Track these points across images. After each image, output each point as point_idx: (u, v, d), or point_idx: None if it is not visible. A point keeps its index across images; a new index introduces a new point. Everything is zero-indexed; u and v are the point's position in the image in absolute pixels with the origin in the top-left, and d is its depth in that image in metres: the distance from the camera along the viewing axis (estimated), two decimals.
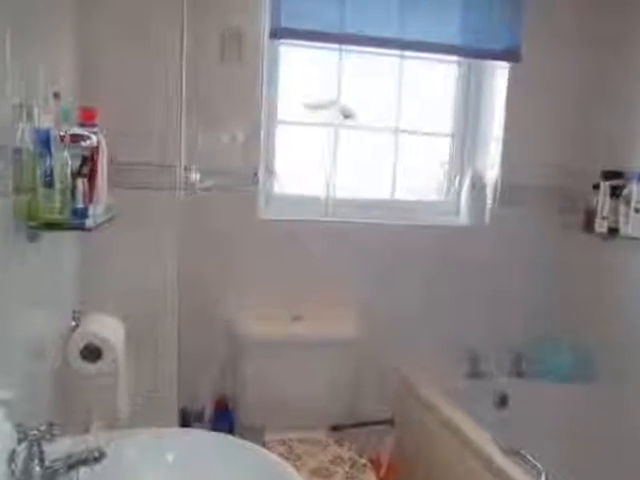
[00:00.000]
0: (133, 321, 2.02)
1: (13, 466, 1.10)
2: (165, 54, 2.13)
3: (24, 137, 1.37)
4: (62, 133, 1.45)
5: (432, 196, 2.92)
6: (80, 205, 1.50)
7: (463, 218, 2.86)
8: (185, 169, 2.27)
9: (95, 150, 1.58)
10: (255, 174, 2.45)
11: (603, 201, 2.51)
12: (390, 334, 2.64)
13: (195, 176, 2.35)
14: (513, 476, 1.86)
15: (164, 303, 2.24)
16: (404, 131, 2.79)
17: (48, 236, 1.55)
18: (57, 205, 1.43)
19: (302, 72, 2.66)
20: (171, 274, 2.23)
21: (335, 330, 2.48)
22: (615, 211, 2.47)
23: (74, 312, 1.93)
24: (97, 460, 1.16)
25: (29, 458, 1.12)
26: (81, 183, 1.51)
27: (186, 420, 2.43)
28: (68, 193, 1.47)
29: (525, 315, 2.79)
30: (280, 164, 2.66)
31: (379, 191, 2.82)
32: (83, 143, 1.53)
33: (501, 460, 1.94)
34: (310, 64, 2.67)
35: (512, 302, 2.79)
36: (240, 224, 2.46)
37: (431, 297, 2.72)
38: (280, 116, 2.64)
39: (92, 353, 1.81)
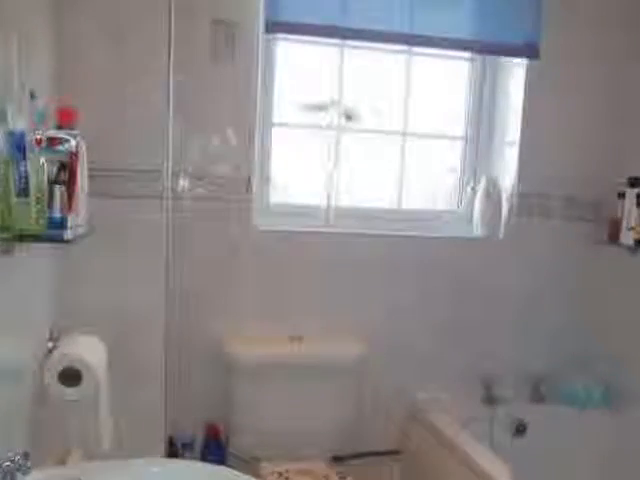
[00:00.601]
0: (116, 341, 2.01)
1: None
2: (151, 50, 2.12)
3: None
4: (38, 136, 1.45)
5: (442, 205, 2.92)
6: (58, 215, 1.50)
7: (476, 229, 2.84)
8: (173, 175, 2.26)
9: (74, 155, 1.57)
10: (249, 181, 2.45)
11: (629, 210, 2.50)
12: (396, 356, 2.63)
13: (184, 183, 2.35)
14: None
15: (150, 322, 2.22)
16: (411, 134, 2.79)
17: (23, 249, 1.54)
18: (32, 215, 1.42)
19: (300, 70, 2.65)
20: (158, 291, 2.22)
21: (337, 352, 2.47)
22: None
23: (51, 332, 1.92)
24: None
25: None
26: (59, 191, 1.50)
27: (174, 450, 2.42)
28: (44, 202, 1.46)
29: (545, 335, 2.78)
30: (277, 170, 2.65)
31: (384, 200, 2.81)
32: (61, 147, 1.53)
33: None
34: (309, 61, 2.67)
35: (530, 321, 2.77)
36: (233, 235, 2.45)
37: (441, 315, 2.70)
38: (276, 118, 2.63)
39: (71, 377, 1.80)
